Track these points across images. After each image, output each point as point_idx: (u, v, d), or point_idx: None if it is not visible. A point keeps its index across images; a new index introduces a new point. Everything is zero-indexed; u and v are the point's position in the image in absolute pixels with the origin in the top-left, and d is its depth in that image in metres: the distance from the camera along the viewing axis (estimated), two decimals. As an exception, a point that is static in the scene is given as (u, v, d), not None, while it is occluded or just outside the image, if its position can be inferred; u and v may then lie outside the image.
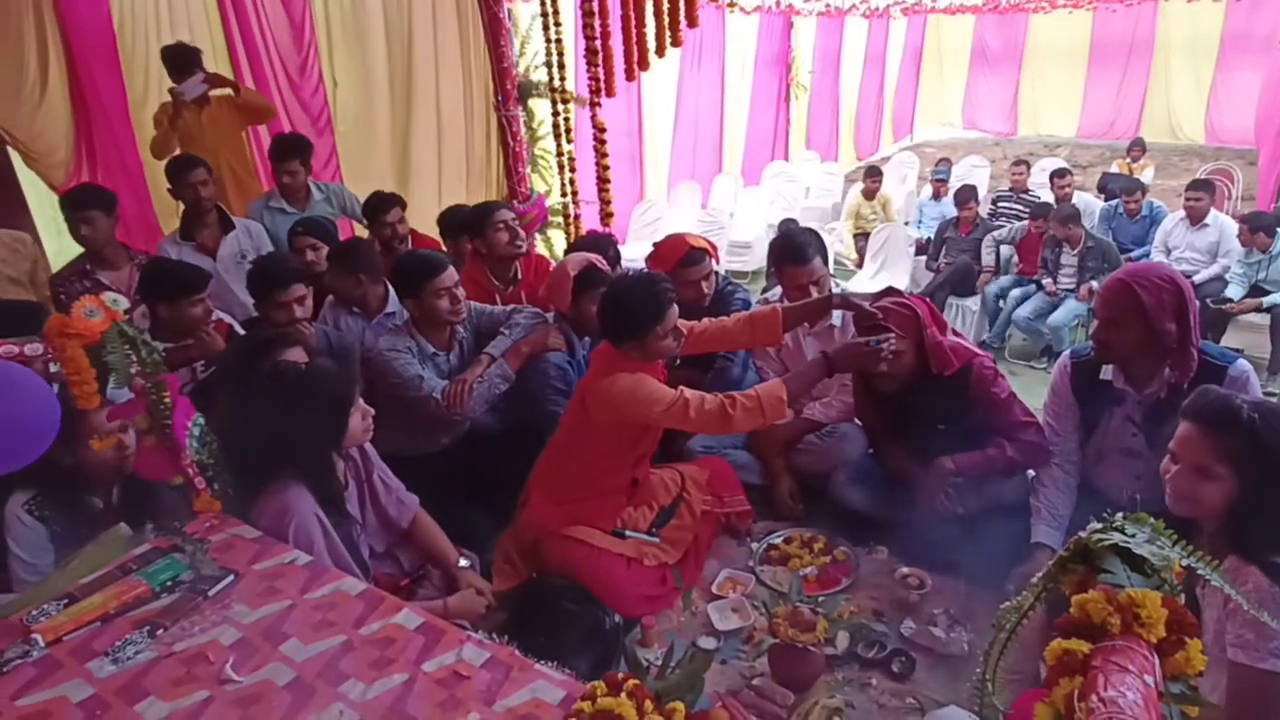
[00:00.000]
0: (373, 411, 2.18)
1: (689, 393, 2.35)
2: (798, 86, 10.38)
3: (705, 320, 2.63)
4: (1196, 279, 5.63)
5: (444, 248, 3.63)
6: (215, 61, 4.02)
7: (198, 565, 1.82)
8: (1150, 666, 0.77)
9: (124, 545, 1.90)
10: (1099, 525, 0.92)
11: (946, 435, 2.63)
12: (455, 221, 3.57)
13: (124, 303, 1.90)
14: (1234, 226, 5.72)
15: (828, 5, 9.05)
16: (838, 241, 7.70)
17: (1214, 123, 11.42)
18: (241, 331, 2.97)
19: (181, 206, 3.54)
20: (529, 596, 2.45)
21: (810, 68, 10.66)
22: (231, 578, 1.82)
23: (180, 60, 3.80)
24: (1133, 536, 0.88)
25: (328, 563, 1.99)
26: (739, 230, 7.87)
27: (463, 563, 2.40)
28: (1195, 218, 5.78)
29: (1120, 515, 0.93)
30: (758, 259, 7.32)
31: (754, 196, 8.88)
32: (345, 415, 2.07)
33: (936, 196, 7.67)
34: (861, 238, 7.47)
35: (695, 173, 8.83)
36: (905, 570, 2.52)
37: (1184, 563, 0.89)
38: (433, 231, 3.74)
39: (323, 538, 2.04)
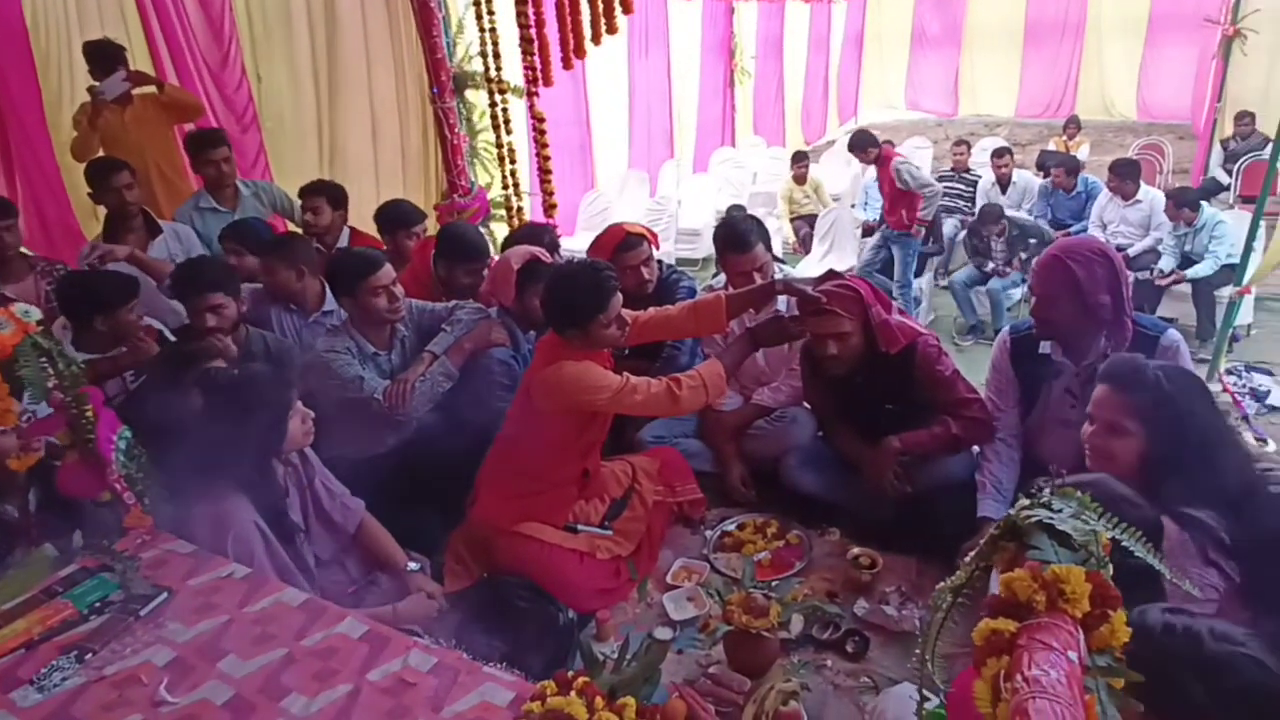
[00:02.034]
0: (312, 414, 2.12)
1: (634, 378, 2.35)
2: (741, 72, 10.39)
3: (650, 310, 2.61)
4: (1131, 251, 5.82)
5: (383, 244, 3.55)
6: (135, 59, 3.86)
7: (128, 584, 1.76)
8: (1074, 642, 0.78)
9: (49, 567, 1.83)
10: (1027, 502, 0.93)
11: (893, 415, 2.65)
12: (394, 217, 3.49)
13: (36, 313, 1.82)
14: (1164, 202, 5.90)
15: (767, -11, 9.09)
16: (786, 226, 7.77)
17: (1145, 99, 11.75)
18: (172, 339, 2.88)
19: (104, 211, 3.40)
20: (481, 597, 2.41)
21: (753, 53, 10.67)
22: (165, 595, 1.76)
23: (103, 57, 3.63)
24: (1059, 512, 0.89)
25: (270, 574, 1.94)
26: (687, 218, 7.87)
27: (411, 566, 2.36)
28: (1129, 196, 5.94)
29: (1047, 490, 0.94)
30: (707, 246, 7.31)
31: (702, 183, 8.88)
32: (282, 420, 2.02)
33: (880, 178, 7.75)
34: (799, 221, 7.57)
35: (650, 161, 8.82)
36: (857, 550, 2.54)
37: (1110, 535, 0.90)
38: (370, 228, 3.65)
39: (264, 548, 1.99)
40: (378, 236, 3.61)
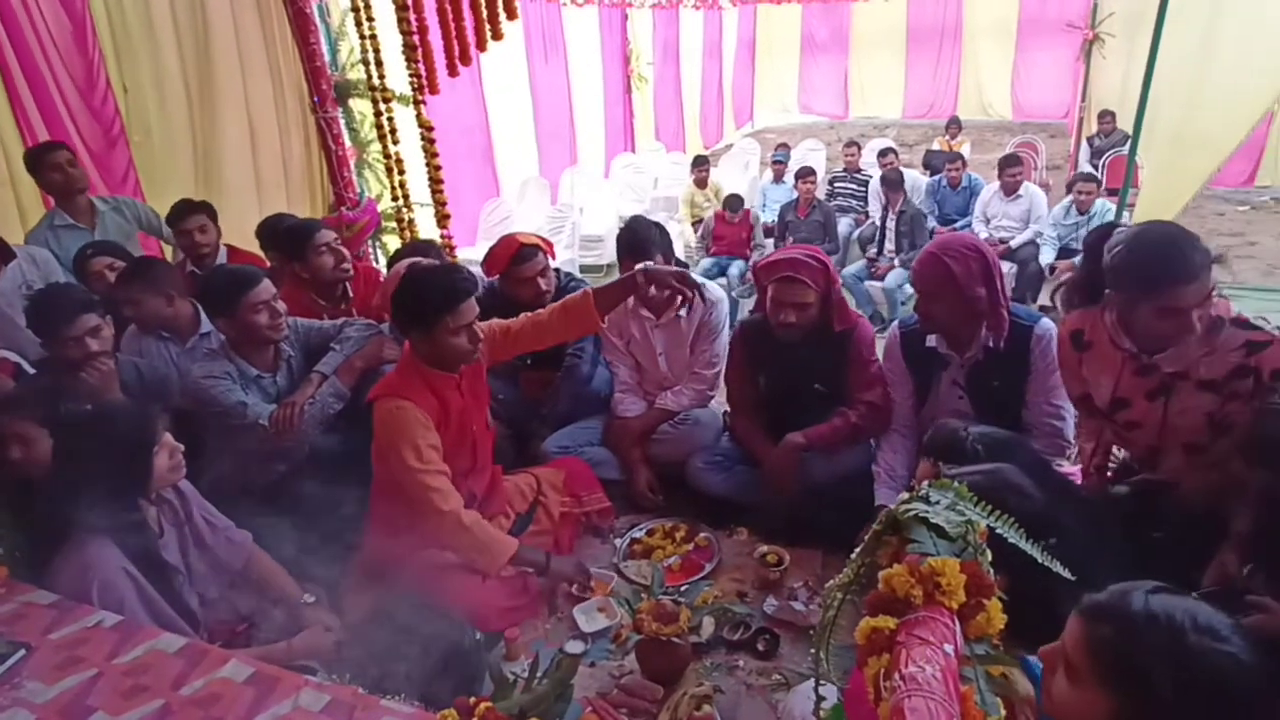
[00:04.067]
0: (182, 448, 1.98)
1: (442, 482, 2.22)
2: (638, 78, 10.46)
3: (521, 316, 2.51)
4: (1013, 244, 6.13)
5: (267, 261, 3.37)
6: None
7: (-22, 643, 1.60)
8: (950, 635, 0.79)
9: (-117, 632, 1.65)
10: (906, 495, 0.94)
11: (817, 397, 2.73)
12: (278, 231, 3.32)
13: None
14: (1043, 196, 6.29)
15: (658, -2, 9.19)
16: (688, 229, 7.85)
17: (1019, 99, 12.48)
18: (32, 371, 2.65)
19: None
20: (382, 625, 2.31)
21: (649, 59, 10.76)
22: (22, 652, 1.62)
23: None
24: (936, 504, 0.90)
25: (144, 620, 1.81)
26: (590, 224, 7.84)
27: (307, 598, 2.25)
28: (1012, 189, 6.26)
29: (925, 483, 0.95)
30: (610, 253, 7.32)
31: (604, 189, 8.87)
32: (146, 457, 1.87)
33: (777, 180, 7.94)
34: (699, 224, 7.69)
35: (559, 167, 8.77)
36: (764, 548, 2.57)
37: (985, 523, 0.91)
38: (252, 245, 3.46)
39: (135, 594, 1.85)
40: (258, 253, 3.43)
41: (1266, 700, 0.94)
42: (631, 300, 2.96)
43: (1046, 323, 2.40)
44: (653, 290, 2.47)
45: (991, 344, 2.37)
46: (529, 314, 2.51)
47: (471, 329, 2.25)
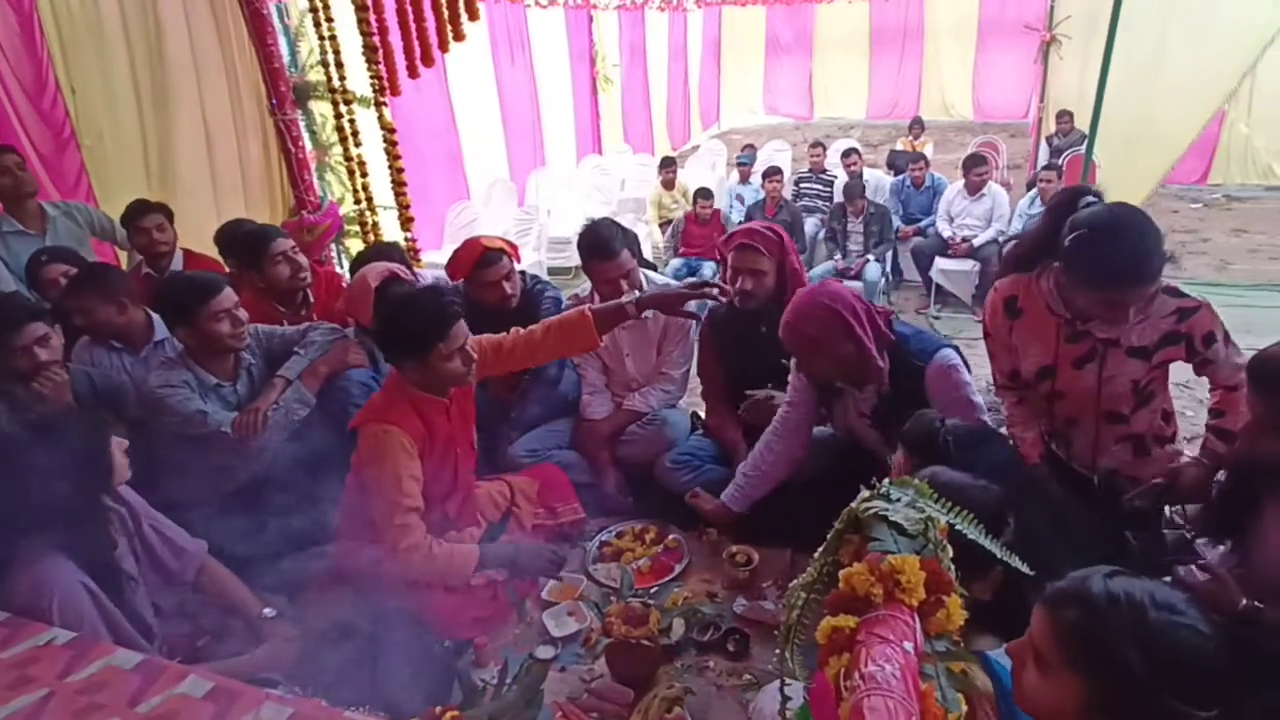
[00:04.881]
0: (125, 443, 1.94)
1: (412, 519, 2.19)
2: (603, 80, 10.44)
3: (512, 332, 2.46)
4: (976, 242, 6.22)
5: (226, 267, 3.30)
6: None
7: (-79, 666, 1.54)
8: (910, 632, 0.79)
9: None
10: (867, 493, 0.94)
11: (778, 377, 2.71)
12: (236, 237, 3.25)
13: None
14: (1005, 195, 6.39)
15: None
16: (655, 230, 7.85)
17: (980, 100, 12.67)
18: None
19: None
20: (349, 635, 2.28)
21: (615, 61, 10.75)
22: (-31, 673, 1.56)
23: None
24: (896, 501, 0.90)
25: (104, 636, 1.76)
26: (557, 226, 7.81)
27: (267, 612, 2.20)
28: (977, 188, 6.34)
29: (887, 481, 0.96)
30: (578, 255, 7.29)
31: (571, 191, 8.84)
32: (104, 462, 1.83)
33: (744, 180, 7.98)
34: (666, 225, 7.71)
35: (527, 168, 8.73)
36: (734, 548, 2.57)
37: (945, 520, 0.92)
38: (210, 250, 3.39)
39: (94, 608, 1.80)
40: (212, 257, 3.36)
41: (1225, 667, 0.99)
42: (597, 299, 2.95)
43: (943, 356, 2.27)
44: (647, 315, 2.47)
45: (879, 390, 2.31)
46: (521, 331, 2.43)
47: (465, 351, 2.19)
